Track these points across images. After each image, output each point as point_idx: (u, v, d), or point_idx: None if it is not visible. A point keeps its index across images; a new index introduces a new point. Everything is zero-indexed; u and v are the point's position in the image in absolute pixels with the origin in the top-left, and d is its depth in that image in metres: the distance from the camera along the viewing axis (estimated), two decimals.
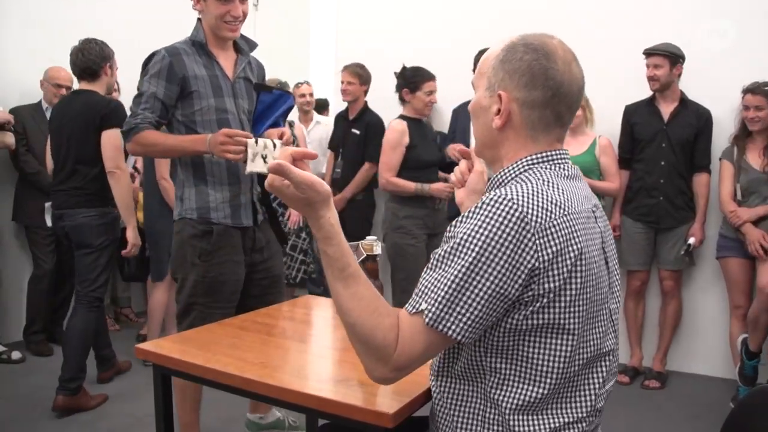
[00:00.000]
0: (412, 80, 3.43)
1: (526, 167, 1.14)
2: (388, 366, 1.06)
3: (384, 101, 3.88)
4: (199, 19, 2.29)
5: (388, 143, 3.46)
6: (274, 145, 1.98)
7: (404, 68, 3.50)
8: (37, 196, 3.70)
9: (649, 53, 3.38)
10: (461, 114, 3.77)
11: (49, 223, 3.72)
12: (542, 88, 1.11)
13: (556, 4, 3.83)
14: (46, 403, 2.93)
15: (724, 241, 3.34)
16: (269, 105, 2.40)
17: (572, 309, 1.05)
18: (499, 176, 1.17)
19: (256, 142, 1.98)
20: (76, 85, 3.88)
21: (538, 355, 1.06)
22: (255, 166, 1.94)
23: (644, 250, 3.54)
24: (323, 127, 5.05)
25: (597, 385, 1.14)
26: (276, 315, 1.98)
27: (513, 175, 1.14)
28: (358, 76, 4.05)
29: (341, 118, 4.30)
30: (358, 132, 4.05)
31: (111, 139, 2.86)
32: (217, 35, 2.25)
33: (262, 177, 2.15)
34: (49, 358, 3.63)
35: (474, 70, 3.73)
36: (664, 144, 3.42)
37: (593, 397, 1.13)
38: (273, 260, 2.45)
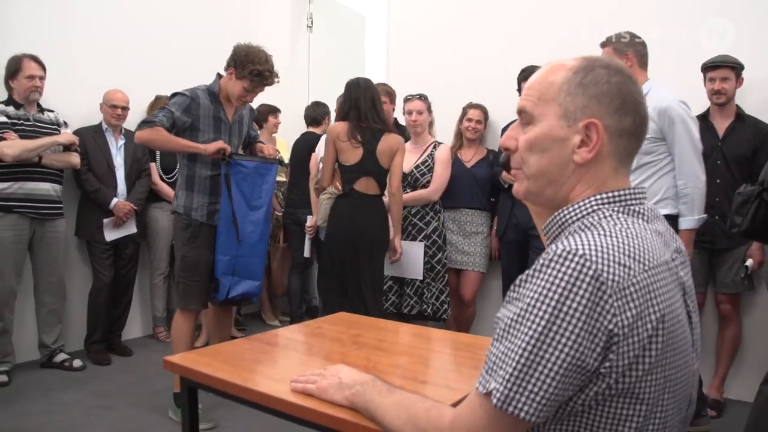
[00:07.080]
0: None
1: (592, 208, 0.99)
2: None
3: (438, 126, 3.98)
4: (218, 74, 3.06)
5: None
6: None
7: None
8: (97, 212, 3.88)
9: (716, 65, 3.23)
10: None
11: (107, 238, 3.91)
12: (633, 113, 0.99)
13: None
14: (100, 412, 3.09)
15: None
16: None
17: (649, 377, 0.91)
18: (559, 217, 1.02)
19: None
20: (131, 105, 4.08)
21: (605, 424, 0.93)
22: None
23: (698, 272, 3.35)
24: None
25: None
26: (304, 331, 2.00)
27: (576, 218, 0.99)
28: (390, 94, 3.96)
29: None
30: None
31: (315, 161, 4.05)
32: (230, 98, 3.05)
33: None
34: (107, 367, 3.80)
35: (519, 90, 3.72)
36: (719, 161, 3.29)
37: None
38: None
